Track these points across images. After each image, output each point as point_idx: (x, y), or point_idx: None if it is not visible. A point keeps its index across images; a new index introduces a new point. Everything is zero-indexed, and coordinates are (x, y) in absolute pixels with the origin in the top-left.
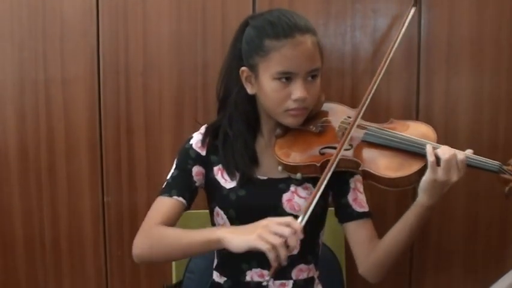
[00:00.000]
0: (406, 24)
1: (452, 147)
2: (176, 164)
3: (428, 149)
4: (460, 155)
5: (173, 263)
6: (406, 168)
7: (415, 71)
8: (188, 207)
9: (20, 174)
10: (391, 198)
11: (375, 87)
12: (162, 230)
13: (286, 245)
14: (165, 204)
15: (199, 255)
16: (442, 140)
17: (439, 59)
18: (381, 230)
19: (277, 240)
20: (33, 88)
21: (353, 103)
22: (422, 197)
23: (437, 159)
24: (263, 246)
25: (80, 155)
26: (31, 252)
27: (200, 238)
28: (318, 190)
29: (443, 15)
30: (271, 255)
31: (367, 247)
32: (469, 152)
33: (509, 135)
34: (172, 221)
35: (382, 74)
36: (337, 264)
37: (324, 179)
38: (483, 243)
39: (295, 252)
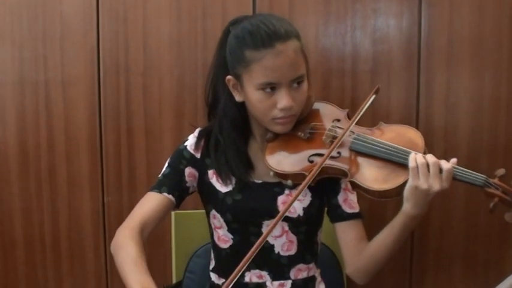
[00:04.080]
0: (366, 107)
1: (452, 147)
2: (169, 163)
3: (411, 156)
4: (446, 164)
5: (173, 263)
6: (392, 179)
7: (415, 71)
8: (177, 206)
9: (20, 174)
10: (391, 200)
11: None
12: (127, 245)
13: None
14: (153, 200)
15: None
16: (442, 140)
17: (439, 59)
18: (378, 232)
19: None
20: (33, 88)
21: (353, 103)
22: (405, 206)
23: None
24: None
25: (80, 155)
26: (31, 252)
27: (127, 280)
28: (290, 204)
29: (443, 15)
30: None
31: (354, 248)
32: (453, 161)
33: (510, 135)
34: (158, 217)
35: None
36: (337, 264)
37: (300, 190)
38: (483, 244)
39: (292, 252)
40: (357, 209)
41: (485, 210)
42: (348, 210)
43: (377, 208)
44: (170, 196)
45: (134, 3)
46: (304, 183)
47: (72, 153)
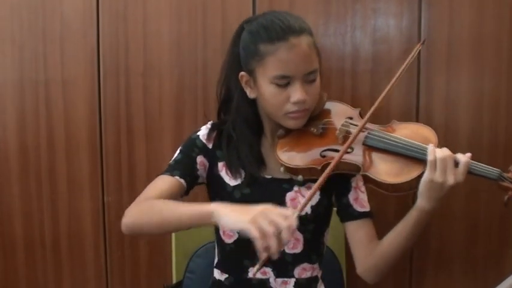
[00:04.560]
0: (411, 60)
1: (452, 147)
2: (181, 149)
3: (430, 149)
4: (463, 157)
5: (173, 263)
6: (406, 173)
7: (415, 71)
8: (186, 193)
9: (20, 174)
10: (391, 199)
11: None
12: (155, 201)
13: (279, 239)
14: (165, 182)
15: (188, 228)
16: (442, 140)
17: (439, 59)
18: (380, 231)
19: (270, 230)
20: (33, 88)
21: (353, 103)
22: (420, 201)
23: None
24: (254, 232)
25: (80, 155)
26: (31, 253)
27: (192, 210)
28: (315, 190)
29: (443, 15)
30: (260, 244)
31: (365, 247)
32: (468, 156)
33: (510, 135)
34: (170, 198)
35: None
36: (337, 264)
37: (324, 178)
38: (483, 244)
39: (297, 250)
40: (367, 208)
41: (485, 210)
42: (359, 209)
43: (377, 207)
44: (182, 180)
45: (134, 3)
46: (328, 169)
47: (72, 153)
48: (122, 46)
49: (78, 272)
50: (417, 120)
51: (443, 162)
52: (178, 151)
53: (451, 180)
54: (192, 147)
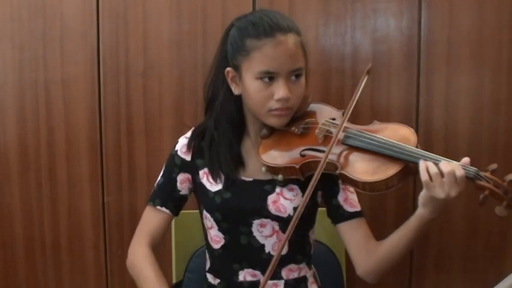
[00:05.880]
0: (361, 89)
1: (452, 147)
2: (163, 171)
3: (421, 166)
4: (459, 170)
5: (173, 263)
6: (382, 172)
7: (415, 71)
8: (175, 214)
9: (20, 174)
10: (391, 199)
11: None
12: (140, 267)
13: None
14: (151, 216)
15: None
16: (442, 140)
17: (439, 59)
18: (381, 231)
19: None
20: (33, 89)
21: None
22: (423, 212)
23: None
24: None
25: (80, 156)
26: (31, 252)
27: None
28: (297, 217)
29: (443, 15)
30: None
31: (364, 248)
32: (464, 162)
33: (510, 135)
34: (160, 232)
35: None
36: (337, 264)
37: (314, 181)
38: (483, 244)
39: (283, 252)
40: (358, 208)
41: (485, 210)
42: (349, 209)
43: (377, 207)
44: (164, 209)
45: (134, 3)
46: (316, 172)
47: (72, 153)
48: (122, 46)
49: (78, 272)
50: (417, 120)
51: (441, 178)
52: (162, 172)
53: (453, 193)
54: (172, 167)
